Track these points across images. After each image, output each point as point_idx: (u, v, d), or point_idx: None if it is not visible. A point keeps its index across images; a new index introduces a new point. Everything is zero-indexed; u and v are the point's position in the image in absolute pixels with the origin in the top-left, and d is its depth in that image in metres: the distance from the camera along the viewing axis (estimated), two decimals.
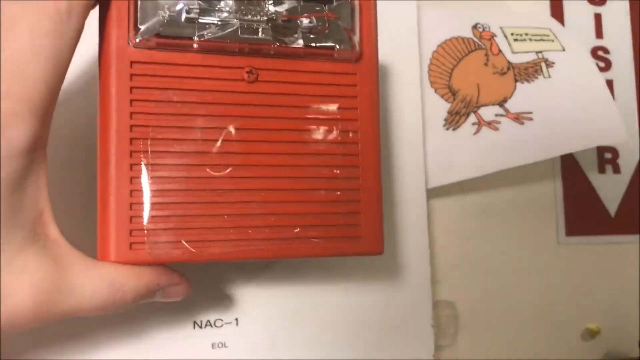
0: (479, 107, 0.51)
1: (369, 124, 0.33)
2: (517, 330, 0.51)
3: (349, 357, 0.42)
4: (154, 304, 0.38)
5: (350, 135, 0.33)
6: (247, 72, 0.31)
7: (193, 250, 0.30)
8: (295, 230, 0.31)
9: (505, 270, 0.52)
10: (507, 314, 0.51)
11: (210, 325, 0.40)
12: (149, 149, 0.30)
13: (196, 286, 0.40)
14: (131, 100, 0.30)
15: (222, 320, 0.40)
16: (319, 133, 0.32)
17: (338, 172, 0.32)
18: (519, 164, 0.49)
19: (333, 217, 0.32)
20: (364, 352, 0.43)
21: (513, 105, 0.51)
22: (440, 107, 0.51)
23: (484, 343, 0.51)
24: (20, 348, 0.36)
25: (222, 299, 0.40)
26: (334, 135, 0.32)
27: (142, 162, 0.29)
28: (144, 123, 0.30)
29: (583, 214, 0.54)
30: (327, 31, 0.32)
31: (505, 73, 0.52)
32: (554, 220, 0.54)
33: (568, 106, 0.51)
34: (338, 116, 0.32)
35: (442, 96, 0.51)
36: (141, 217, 0.29)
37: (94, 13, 0.30)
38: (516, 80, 0.52)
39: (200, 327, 0.40)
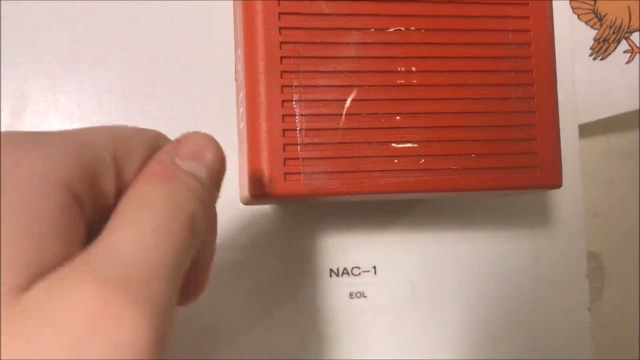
0: (631, 33, 0.45)
1: (543, 46, 0.28)
2: None
3: (495, 311, 0.38)
4: (287, 251, 0.36)
5: (524, 50, 0.28)
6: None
7: (352, 181, 0.26)
8: (466, 159, 0.27)
9: None
10: None
11: (347, 273, 0.37)
12: (301, 69, 0.26)
13: (330, 233, 0.37)
14: (279, 14, 0.26)
15: (359, 268, 0.37)
16: (489, 48, 0.28)
17: (512, 91, 0.28)
18: None
19: (507, 143, 0.28)
20: (512, 305, 0.39)
21: None
22: (585, 35, 0.45)
23: (632, 297, 0.46)
24: None
25: (358, 246, 0.37)
26: (505, 49, 0.28)
27: (294, 84, 0.26)
28: (295, 39, 0.26)
29: None
30: None
31: None
32: None
33: None
34: (509, 27, 0.28)
35: (586, 22, 0.45)
36: (295, 144, 0.26)
37: None
38: None
39: (337, 275, 0.37)
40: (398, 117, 0.27)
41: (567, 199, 0.40)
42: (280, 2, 0.26)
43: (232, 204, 0.34)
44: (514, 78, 0.28)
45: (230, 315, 0.35)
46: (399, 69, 0.27)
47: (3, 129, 0.34)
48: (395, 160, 0.27)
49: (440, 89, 0.27)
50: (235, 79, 0.31)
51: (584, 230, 0.41)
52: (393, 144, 0.26)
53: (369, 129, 0.27)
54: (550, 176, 0.28)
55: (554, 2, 0.42)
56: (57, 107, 0.35)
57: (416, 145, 0.27)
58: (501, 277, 0.39)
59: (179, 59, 0.35)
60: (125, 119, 0.35)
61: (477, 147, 0.27)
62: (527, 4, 0.28)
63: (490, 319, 0.39)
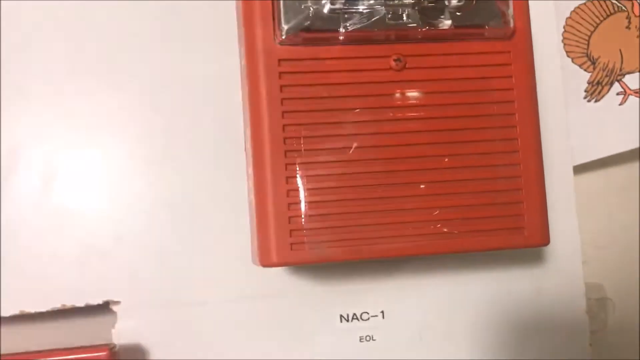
0: (623, 75, 0.47)
1: (526, 105, 0.31)
2: None
3: (501, 349, 0.40)
4: (299, 299, 0.39)
5: (507, 118, 0.30)
6: (395, 60, 0.30)
7: (353, 248, 0.29)
8: (456, 224, 0.29)
9: None
10: None
11: (357, 318, 0.39)
12: (302, 148, 0.29)
13: (339, 279, 0.40)
14: (282, 99, 0.29)
15: (368, 313, 0.39)
16: (473, 119, 0.30)
17: (497, 159, 0.30)
18: None
19: (494, 207, 0.30)
20: (517, 342, 0.41)
21: None
22: (579, 78, 0.47)
23: (637, 327, 0.47)
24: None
25: (366, 291, 0.40)
26: (489, 119, 0.30)
27: (296, 162, 0.29)
28: (296, 121, 0.29)
29: None
30: (476, 9, 0.30)
31: None
32: None
33: None
34: (493, 99, 0.30)
35: (580, 66, 0.47)
36: (300, 216, 0.29)
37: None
38: None
39: (347, 320, 0.39)
40: (392, 188, 0.29)
41: (564, 239, 0.42)
42: (283, 87, 0.29)
43: (242, 258, 0.36)
44: (500, 146, 0.30)
45: None
46: (388, 144, 0.29)
47: (36, 199, 0.37)
48: (392, 228, 0.29)
49: (429, 160, 0.30)
50: (245, 152, 0.34)
51: (581, 269, 0.43)
52: (388, 213, 0.29)
53: (366, 199, 0.29)
54: (536, 236, 0.30)
55: (544, 49, 0.44)
56: (86, 173, 0.38)
57: (410, 212, 0.29)
58: (505, 316, 0.41)
59: (197, 126, 0.38)
60: (148, 184, 0.38)
61: (467, 212, 0.30)
62: (511, 77, 0.31)
63: (496, 357, 0.41)
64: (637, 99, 0.46)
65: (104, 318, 0.38)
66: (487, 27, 0.30)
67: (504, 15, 0.30)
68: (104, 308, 0.38)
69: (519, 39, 0.31)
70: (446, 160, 0.30)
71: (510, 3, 0.30)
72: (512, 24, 0.30)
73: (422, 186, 0.29)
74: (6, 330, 0.37)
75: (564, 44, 0.48)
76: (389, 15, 0.29)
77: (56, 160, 0.38)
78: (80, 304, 0.37)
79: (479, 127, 0.30)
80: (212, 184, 0.38)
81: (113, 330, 0.37)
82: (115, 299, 0.37)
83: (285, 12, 0.29)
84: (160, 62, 0.39)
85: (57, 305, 0.37)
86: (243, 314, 0.38)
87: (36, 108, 0.38)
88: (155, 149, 0.38)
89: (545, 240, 0.30)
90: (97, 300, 0.37)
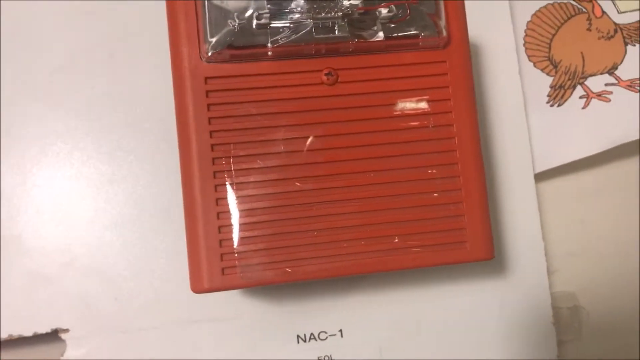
0: (585, 78, 0.46)
1: (464, 115, 0.30)
2: None
3: None
4: (255, 321, 0.38)
5: (445, 130, 0.30)
6: (326, 74, 0.29)
7: (287, 270, 0.28)
8: (394, 241, 0.29)
9: (630, 252, 0.47)
10: (634, 301, 0.46)
11: (315, 338, 0.38)
12: (232, 168, 0.28)
13: (295, 299, 0.39)
14: (209, 118, 0.28)
15: (326, 332, 0.38)
16: (410, 132, 0.29)
17: (435, 171, 0.29)
18: (637, 137, 0.44)
19: (434, 222, 0.29)
20: (480, 359, 0.40)
21: (625, 71, 0.45)
22: (541, 82, 0.46)
23: (611, 336, 0.46)
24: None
25: (323, 310, 0.39)
26: (426, 132, 0.29)
27: (226, 182, 0.28)
28: (225, 141, 0.28)
29: None
30: (408, 18, 0.29)
31: (612, 37, 0.46)
32: None
33: None
34: (429, 110, 0.29)
35: (542, 70, 0.46)
36: (231, 239, 0.28)
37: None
38: (626, 44, 0.46)
39: (305, 340, 0.38)
40: (326, 206, 0.28)
41: (527, 249, 0.41)
42: (210, 106, 0.28)
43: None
44: (438, 159, 0.29)
45: None
46: (322, 160, 0.28)
47: None
48: (327, 247, 0.28)
49: (364, 176, 0.29)
50: None
51: (547, 278, 0.42)
52: (323, 232, 0.28)
53: (300, 218, 0.28)
54: (480, 249, 0.29)
55: (506, 49, 0.44)
56: (30, 200, 0.37)
57: (346, 231, 0.28)
58: (467, 332, 0.40)
59: (142, 146, 0.38)
60: (92, 203, 0.37)
61: (405, 228, 0.29)
62: (448, 87, 0.30)
63: None
64: (601, 101, 0.45)
65: (53, 346, 0.37)
66: (420, 37, 0.29)
67: (436, 25, 0.29)
68: (53, 336, 0.37)
69: (455, 47, 0.30)
70: (382, 175, 0.29)
71: (442, 11, 0.29)
72: (445, 33, 0.29)
73: (357, 203, 0.28)
74: None
75: (526, 48, 0.47)
76: (319, 28, 0.28)
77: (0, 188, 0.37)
78: (28, 333, 0.36)
79: (415, 139, 0.29)
80: (160, 204, 0.37)
81: (62, 359, 0.36)
82: (64, 327, 0.37)
83: (210, 29, 0.28)
84: (101, 82, 0.38)
85: (4, 335, 0.36)
86: (195, 338, 0.37)
87: None
88: (102, 171, 0.38)
89: (489, 255, 0.29)
90: (45, 329, 0.37)
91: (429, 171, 0.29)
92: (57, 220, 0.37)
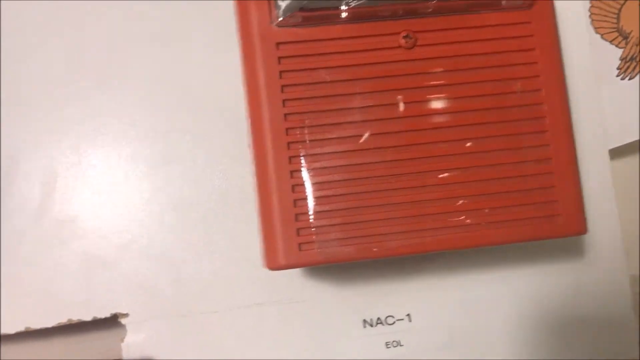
0: None
1: (552, 78, 0.27)
2: None
3: (541, 350, 0.37)
4: (319, 304, 0.36)
5: (533, 95, 0.27)
6: (404, 37, 0.27)
7: (369, 246, 0.26)
8: (481, 215, 0.26)
9: None
10: None
11: (382, 323, 0.37)
12: (307, 138, 0.26)
13: (361, 282, 0.37)
14: (282, 86, 0.27)
15: (393, 317, 0.37)
16: (495, 98, 0.27)
17: (524, 140, 0.27)
18: None
19: (524, 194, 0.27)
20: (555, 345, 0.37)
21: None
22: (610, 55, 0.44)
23: None
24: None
25: (390, 294, 0.37)
26: (513, 98, 0.27)
27: (301, 153, 0.26)
28: (299, 110, 0.27)
29: None
30: None
31: None
32: None
33: None
34: (515, 74, 0.27)
35: (610, 42, 0.44)
36: (307, 214, 0.26)
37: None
38: None
39: (371, 325, 0.36)
40: (408, 178, 0.27)
41: (603, 228, 0.39)
42: (282, 73, 0.27)
43: (254, 263, 0.34)
44: (527, 126, 0.27)
45: None
46: (404, 129, 0.27)
47: (36, 209, 0.36)
48: (409, 222, 0.26)
49: (446, 145, 0.27)
50: (248, 148, 0.32)
51: (625, 260, 0.39)
52: (404, 205, 0.26)
53: (379, 191, 0.27)
54: (573, 223, 0.27)
55: (575, 20, 0.41)
56: (86, 181, 0.36)
57: (427, 204, 0.26)
58: (542, 314, 0.38)
59: (199, 126, 0.36)
60: (150, 184, 0.36)
61: (493, 200, 0.27)
62: (534, 49, 0.28)
63: (535, 359, 0.37)
64: None
65: (112, 331, 0.36)
66: None
67: None
68: (113, 321, 0.36)
69: (540, 7, 0.28)
70: (467, 144, 0.27)
71: None
72: None
73: (441, 174, 0.27)
74: (9, 348, 0.35)
75: (592, 20, 0.44)
76: None
77: (55, 168, 0.36)
78: (88, 317, 0.35)
79: (501, 106, 0.27)
80: (219, 184, 0.36)
81: (122, 344, 0.35)
82: (123, 312, 0.35)
83: None
84: (157, 63, 0.37)
85: (64, 319, 0.35)
86: (257, 322, 0.36)
87: (34, 115, 0.36)
88: (159, 151, 0.36)
89: (583, 229, 0.27)
90: (104, 314, 0.35)
91: (517, 140, 0.27)
92: (114, 202, 0.36)
